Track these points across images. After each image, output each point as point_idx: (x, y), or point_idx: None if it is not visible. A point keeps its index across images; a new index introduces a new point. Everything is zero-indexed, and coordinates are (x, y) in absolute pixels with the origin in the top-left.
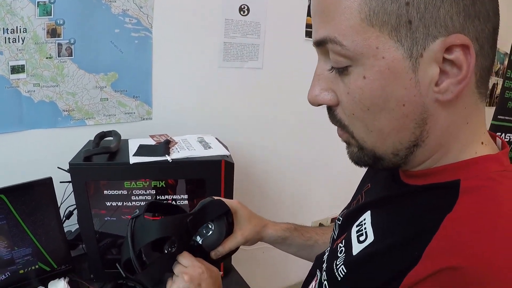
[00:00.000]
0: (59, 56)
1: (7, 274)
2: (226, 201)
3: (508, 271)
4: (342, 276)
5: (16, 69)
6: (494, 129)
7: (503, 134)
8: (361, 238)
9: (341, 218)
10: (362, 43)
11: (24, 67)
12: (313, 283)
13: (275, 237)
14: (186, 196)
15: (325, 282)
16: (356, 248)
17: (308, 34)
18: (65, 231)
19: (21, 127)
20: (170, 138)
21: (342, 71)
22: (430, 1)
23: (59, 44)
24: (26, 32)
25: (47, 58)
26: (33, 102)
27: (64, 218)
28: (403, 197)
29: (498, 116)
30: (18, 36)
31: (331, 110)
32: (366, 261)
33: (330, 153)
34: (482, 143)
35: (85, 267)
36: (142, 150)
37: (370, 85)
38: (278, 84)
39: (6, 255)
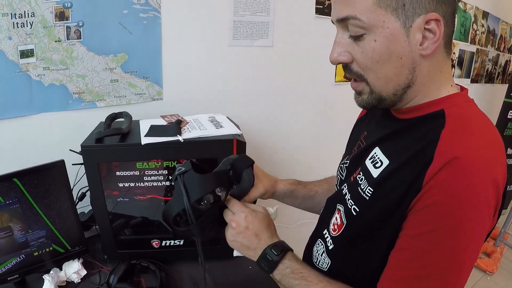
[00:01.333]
0: (68, 39)
1: (22, 256)
2: None
3: (484, 154)
4: (370, 195)
5: (25, 54)
6: (506, 107)
7: None
8: (377, 165)
9: (348, 161)
10: (374, 18)
11: (33, 51)
12: (335, 215)
13: (284, 191)
14: None
15: (353, 206)
16: (375, 172)
17: (319, 11)
18: (78, 212)
19: (32, 110)
20: (181, 118)
21: (358, 38)
22: None
23: (68, 27)
24: (34, 16)
25: (56, 41)
26: (43, 86)
27: (77, 200)
28: (404, 128)
29: (511, 94)
30: (26, 20)
31: (347, 66)
32: (388, 177)
33: (342, 127)
34: (451, 85)
35: (99, 248)
36: (154, 130)
37: (379, 45)
38: (288, 62)
39: (21, 238)
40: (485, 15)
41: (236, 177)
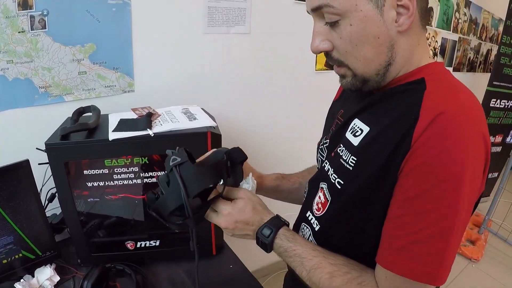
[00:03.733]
0: (32, 29)
1: None
2: None
3: (470, 110)
4: (353, 164)
5: None
6: (489, 96)
7: (498, 100)
8: (357, 134)
9: (328, 140)
10: (346, 3)
11: None
12: (318, 194)
13: (269, 187)
14: None
15: (337, 180)
16: (356, 140)
17: None
18: (50, 214)
19: None
20: (153, 110)
21: (334, 24)
22: None
23: (32, 17)
24: None
25: (19, 32)
26: (8, 81)
27: (46, 202)
28: (383, 97)
29: (494, 82)
30: None
31: (328, 54)
32: (371, 142)
33: (323, 116)
34: (429, 57)
35: (72, 251)
36: (122, 125)
37: (355, 29)
38: (267, 50)
39: None
40: (468, 4)
41: (229, 170)
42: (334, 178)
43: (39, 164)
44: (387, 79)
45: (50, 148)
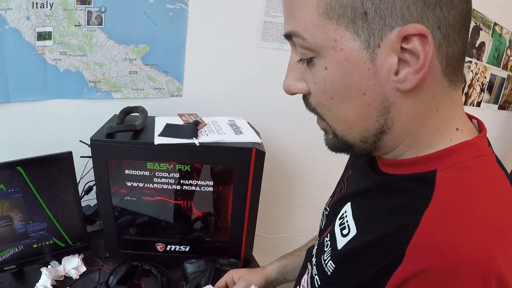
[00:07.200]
0: (88, 24)
1: (21, 247)
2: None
3: (486, 262)
4: (331, 271)
5: (42, 36)
6: None
7: None
8: (344, 232)
9: (328, 208)
10: (321, 36)
11: (51, 34)
12: (305, 276)
13: (276, 277)
14: (211, 183)
15: (316, 276)
16: (340, 242)
17: None
18: (84, 205)
19: (45, 96)
20: (200, 118)
21: (308, 62)
22: None
23: (89, 12)
24: None
25: (75, 25)
26: (59, 71)
27: (83, 193)
28: (381, 188)
29: None
30: (47, 1)
31: (305, 98)
32: (351, 256)
33: None
34: (457, 129)
35: (102, 244)
36: (169, 130)
37: (331, 76)
38: None
39: (20, 229)
40: None
41: None
42: (315, 273)
43: (81, 157)
44: (382, 149)
45: (95, 144)
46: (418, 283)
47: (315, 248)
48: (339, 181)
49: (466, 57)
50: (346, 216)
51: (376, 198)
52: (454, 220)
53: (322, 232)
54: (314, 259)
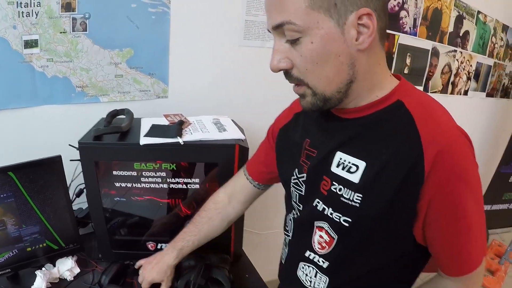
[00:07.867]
0: (73, 31)
1: (15, 251)
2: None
3: (458, 136)
4: (360, 201)
5: (29, 44)
6: None
7: None
8: (352, 169)
9: (305, 175)
10: (308, 20)
11: (37, 41)
12: (318, 235)
13: (181, 246)
14: (198, 180)
15: (343, 218)
16: (354, 177)
17: None
18: (76, 208)
19: (34, 102)
20: (185, 118)
21: (294, 41)
22: None
23: (74, 19)
24: (40, 6)
25: (61, 32)
26: (46, 78)
27: (74, 196)
28: (368, 126)
29: None
30: (32, 10)
31: (287, 73)
32: (375, 178)
33: None
34: (390, 76)
35: (95, 245)
36: (154, 130)
37: (316, 46)
38: None
39: (14, 233)
40: (505, 28)
41: None
42: (337, 217)
43: (71, 160)
44: (348, 97)
45: (83, 147)
46: (443, 158)
47: (319, 204)
48: (288, 158)
49: (450, 46)
50: (345, 160)
51: (368, 134)
52: (434, 121)
53: (304, 196)
54: (328, 210)
